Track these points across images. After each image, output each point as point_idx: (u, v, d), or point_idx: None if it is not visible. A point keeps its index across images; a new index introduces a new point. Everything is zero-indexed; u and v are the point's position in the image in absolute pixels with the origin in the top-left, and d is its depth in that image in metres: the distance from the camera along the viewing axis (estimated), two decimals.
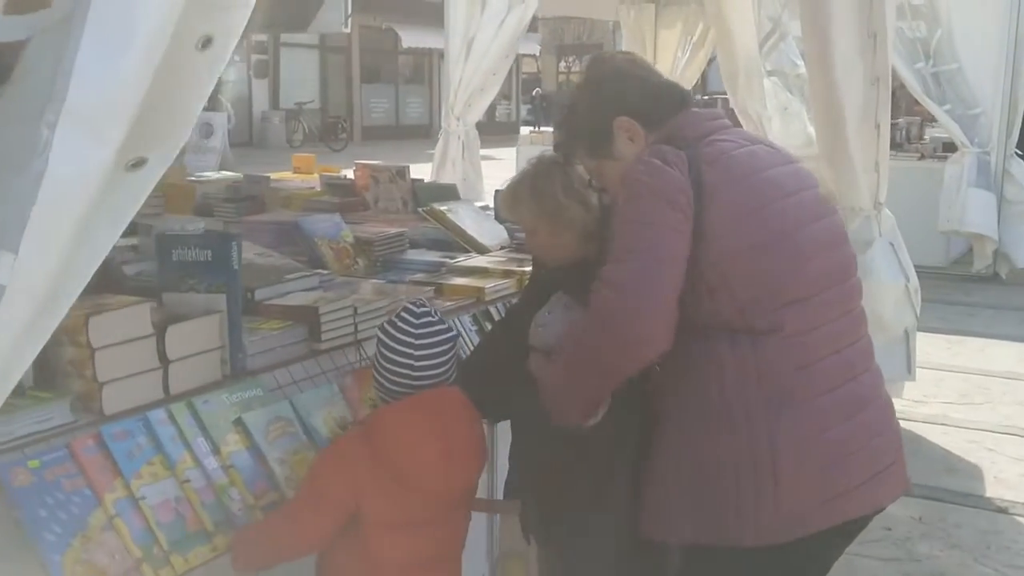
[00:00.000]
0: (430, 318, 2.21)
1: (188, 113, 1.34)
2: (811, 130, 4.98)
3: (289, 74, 26.33)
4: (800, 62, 4.94)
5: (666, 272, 1.94)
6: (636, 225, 1.99)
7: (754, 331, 1.99)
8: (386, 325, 2.22)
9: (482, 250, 3.70)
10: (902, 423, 5.01)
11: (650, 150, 2.07)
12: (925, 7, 8.49)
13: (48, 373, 2.08)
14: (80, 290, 1.32)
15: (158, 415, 2.11)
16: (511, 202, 2.53)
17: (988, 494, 4.32)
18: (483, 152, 7.45)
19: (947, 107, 8.56)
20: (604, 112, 2.17)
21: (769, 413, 1.98)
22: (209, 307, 2.31)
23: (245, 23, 1.38)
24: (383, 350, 2.20)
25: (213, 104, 21.69)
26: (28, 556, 1.81)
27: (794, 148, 5.09)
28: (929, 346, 6.54)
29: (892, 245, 4.95)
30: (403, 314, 2.21)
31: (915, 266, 8.68)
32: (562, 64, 39.85)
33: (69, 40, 1.16)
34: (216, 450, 2.16)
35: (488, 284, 3.15)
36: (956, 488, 4.36)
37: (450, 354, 2.21)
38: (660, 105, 2.16)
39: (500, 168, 9.33)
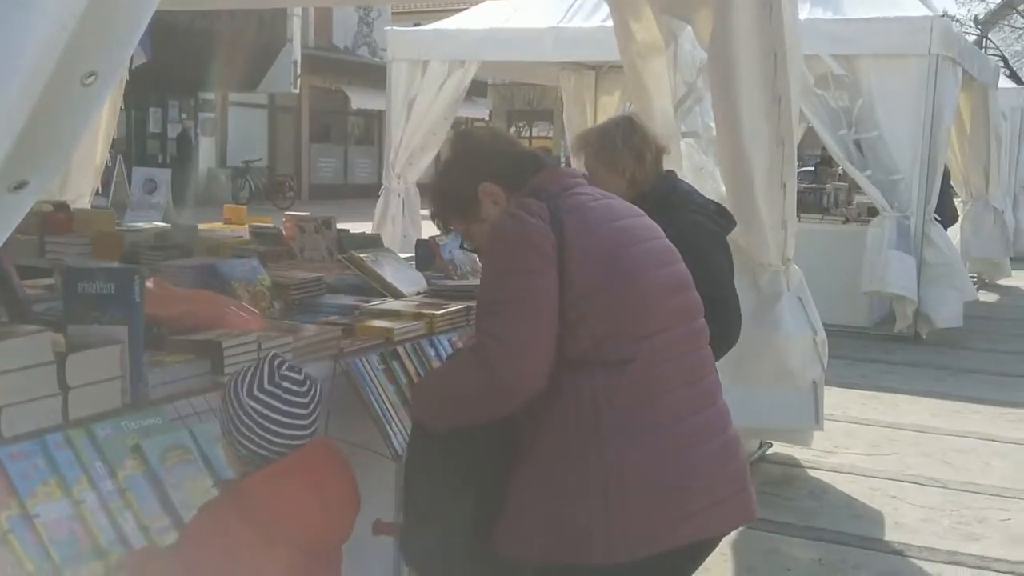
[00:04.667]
0: (302, 376, 2.15)
1: (70, 140, 1.46)
2: (723, 190, 5.19)
3: (237, 132, 26.47)
4: (714, 125, 5.16)
5: (541, 317, 2.11)
6: (507, 275, 2.17)
7: (609, 363, 2.15)
8: (261, 390, 2.10)
9: (398, 295, 3.82)
10: (812, 472, 5.22)
11: (515, 203, 2.26)
12: (847, 78, 8.85)
13: None
14: None
15: (56, 439, 2.19)
16: (580, 143, 3.34)
17: (887, 538, 4.48)
18: (424, 211, 7.63)
19: (868, 173, 8.90)
20: (470, 180, 2.36)
21: (620, 440, 2.13)
22: (111, 339, 2.41)
23: (128, 60, 1.51)
24: (255, 416, 2.10)
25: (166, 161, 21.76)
26: None
27: None
28: (846, 401, 6.78)
29: (800, 299, 5.14)
30: (286, 372, 2.12)
31: (840, 326, 9.06)
32: (512, 129, 40.40)
33: None
34: (113, 474, 2.24)
35: (398, 326, 3.28)
36: (858, 532, 4.52)
37: (315, 416, 2.16)
38: (520, 170, 2.36)
39: None
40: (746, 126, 4.75)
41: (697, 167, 5.40)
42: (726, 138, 4.89)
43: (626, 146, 3.31)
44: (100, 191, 7.64)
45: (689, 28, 5.29)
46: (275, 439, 2.13)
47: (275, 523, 2.10)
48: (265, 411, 2.11)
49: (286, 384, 2.13)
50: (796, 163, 4.99)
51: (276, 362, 2.17)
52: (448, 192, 2.45)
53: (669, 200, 3.30)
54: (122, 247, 5.14)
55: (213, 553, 2.09)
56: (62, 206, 5.70)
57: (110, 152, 7.70)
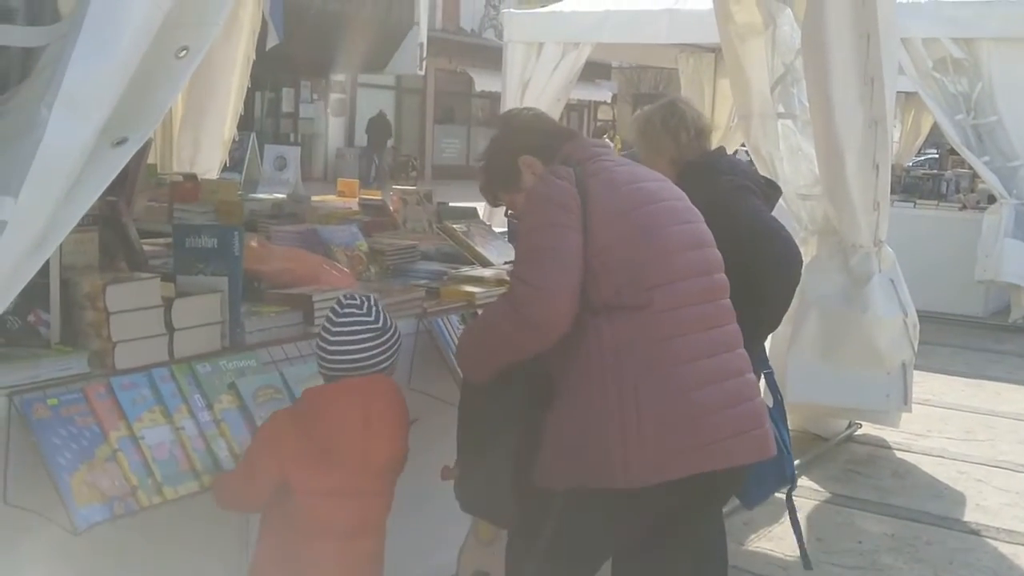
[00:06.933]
0: (355, 312, 2.47)
1: (162, 105, 1.73)
2: (818, 171, 5.24)
3: (365, 113, 27.19)
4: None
5: (568, 264, 2.35)
6: (537, 228, 2.42)
7: (627, 308, 2.38)
8: (332, 314, 2.50)
9: (486, 264, 4.04)
10: (899, 454, 5.25)
11: (546, 170, 2.53)
12: (967, 61, 8.69)
13: (72, 333, 2.48)
14: (65, 235, 1.71)
15: (161, 372, 2.49)
16: (630, 125, 3.73)
17: (966, 518, 4.50)
18: None
19: (986, 159, 8.71)
20: (512, 154, 2.66)
21: (638, 375, 2.35)
22: (214, 288, 2.70)
23: (214, 37, 1.76)
24: (324, 336, 2.48)
25: (298, 138, 22.55)
26: (44, 476, 2.19)
27: (803, 187, 5.41)
28: (946, 387, 6.73)
29: (892, 281, 5.17)
30: (334, 305, 2.50)
31: (954, 315, 8.88)
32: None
33: (67, 43, 1.56)
34: (210, 406, 2.53)
35: (480, 290, 3.50)
36: (936, 512, 4.55)
37: (376, 345, 2.46)
38: (553, 142, 2.64)
39: None
40: (838, 107, 4.80)
41: (794, 148, 5.44)
42: (819, 119, 4.95)
43: (664, 128, 3.54)
44: (228, 165, 8.07)
45: (789, 10, 5.35)
46: (335, 358, 2.45)
47: (320, 432, 2.37)
48: (327, 336, 2.46)
49: (346, 311, 2.47)
50: (890, 145, 5.01)
51: (343, 295, 2.52)
52: (494, 166, 2.73)
53: (699, 169, 3.45)
54: (242, 215, 5.54)
55: (269, 457, 2.37)
56: (191, 177, 6.12)
57: (244, 132, 8.12)
